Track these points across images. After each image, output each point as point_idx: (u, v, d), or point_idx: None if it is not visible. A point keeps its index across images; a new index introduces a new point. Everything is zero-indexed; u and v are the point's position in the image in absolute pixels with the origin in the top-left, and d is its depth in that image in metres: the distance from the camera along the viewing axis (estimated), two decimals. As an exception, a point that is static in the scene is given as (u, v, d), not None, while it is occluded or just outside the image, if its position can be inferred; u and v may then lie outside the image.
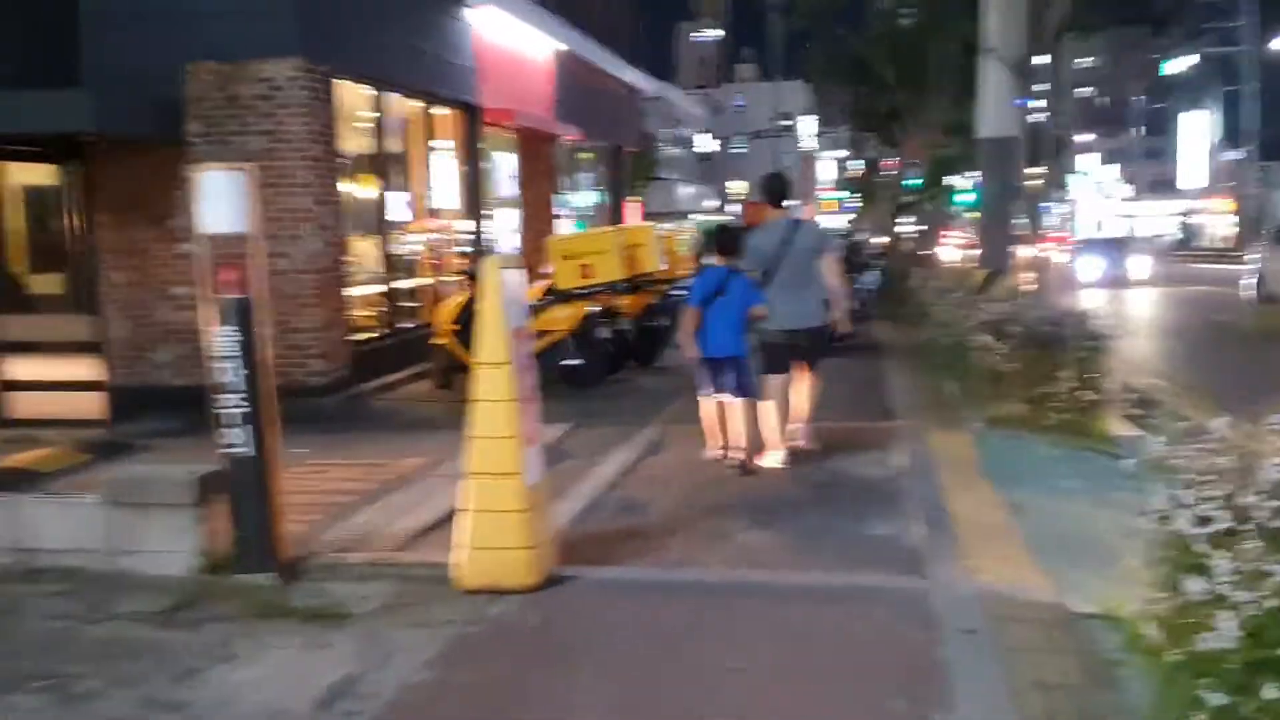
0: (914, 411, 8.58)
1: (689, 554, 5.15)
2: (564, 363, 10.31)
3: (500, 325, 4.51)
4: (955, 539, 5.12)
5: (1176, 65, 51.25)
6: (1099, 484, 5.54)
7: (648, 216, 38.74)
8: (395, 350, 11.20)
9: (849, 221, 73.76)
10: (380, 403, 10.12)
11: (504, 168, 14.51)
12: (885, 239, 32.30)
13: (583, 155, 19.78)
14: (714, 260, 6.82)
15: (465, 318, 10.41)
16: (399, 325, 11.72)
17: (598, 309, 10.41)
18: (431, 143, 12.71)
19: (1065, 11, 12.24)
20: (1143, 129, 67.99)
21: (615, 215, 21.91)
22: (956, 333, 10.32)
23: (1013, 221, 11.25)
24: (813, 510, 5.90)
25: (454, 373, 10.65)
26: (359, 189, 11.16)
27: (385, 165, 11.65)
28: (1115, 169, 66.97)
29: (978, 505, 5.70)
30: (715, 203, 54.52)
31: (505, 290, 4.54)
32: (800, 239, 6.80)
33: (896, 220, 32.90)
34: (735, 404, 6.69)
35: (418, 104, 12.33)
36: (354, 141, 10.95)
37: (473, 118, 13.48)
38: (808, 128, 78.22)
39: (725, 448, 6.82)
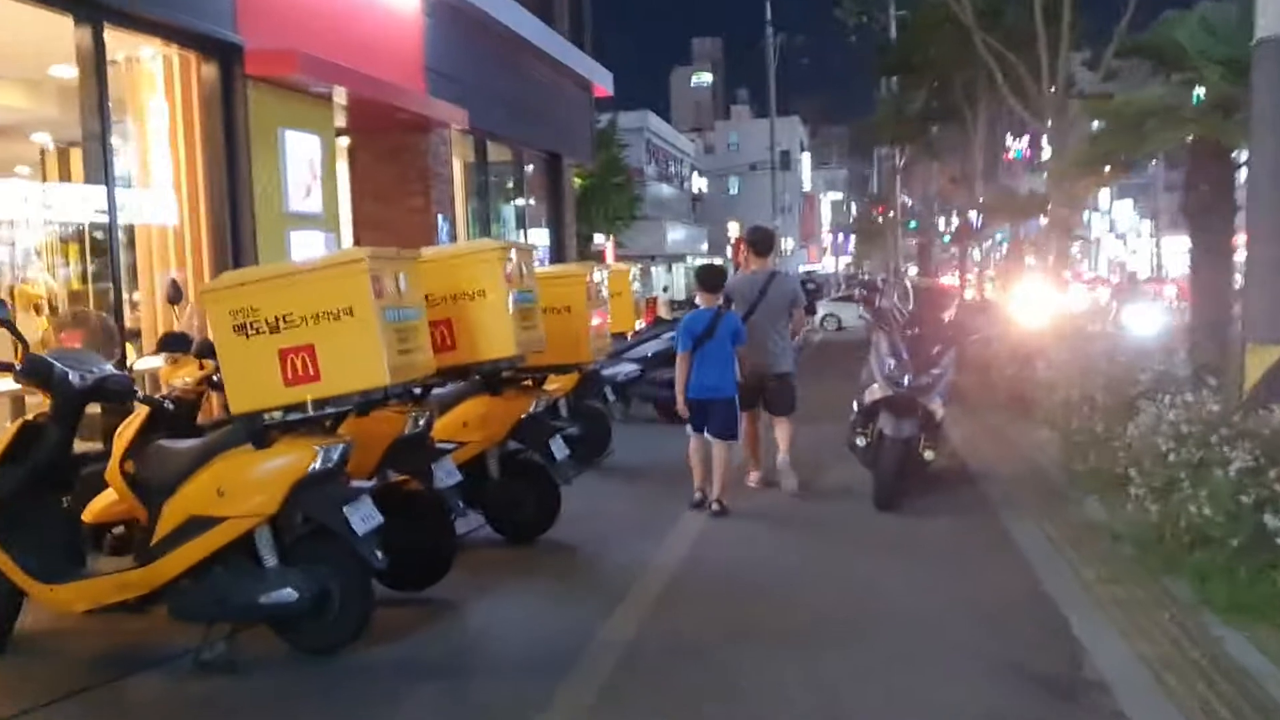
0: None
1: None
2: (260, 599, 4.06)
3: None
4: None
5: None
6: None
7: (624, 259, 32.85)
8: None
9: (848, 265, 67.68)
10: None
11: (307, 158, 8.34)
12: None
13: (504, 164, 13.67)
14: (700, 301, 6.65)
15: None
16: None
17: (344, 448, 4.15)
18: (123, 100, 6.53)
19: None
20: None
21: (556, 253, 15.73)
22: (1219, 490, 4.23)
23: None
24: None
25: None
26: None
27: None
28: None
29: None
30: (707, 245, 48.65)
31: None
32: (775, 289, 6.98)
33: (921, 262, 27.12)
34: (718, 445, 6.35)
35: (84, 30, 6.19)
36: None
37: (226, 64, 7.38)
38: (805, 167, 72.79)
39: (704, 490, 6.48)
